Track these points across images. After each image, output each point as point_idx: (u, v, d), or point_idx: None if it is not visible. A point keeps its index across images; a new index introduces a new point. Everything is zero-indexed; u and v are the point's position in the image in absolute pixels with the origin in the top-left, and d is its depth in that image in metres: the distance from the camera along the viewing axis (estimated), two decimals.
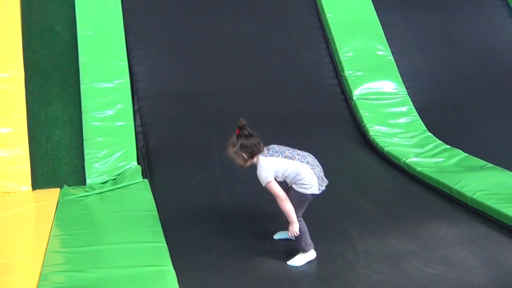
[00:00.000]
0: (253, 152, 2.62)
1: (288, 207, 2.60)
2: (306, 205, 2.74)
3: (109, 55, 4.43)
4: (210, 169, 4.01)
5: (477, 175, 3.73)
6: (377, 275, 2.65)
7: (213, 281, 2.61)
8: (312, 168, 2.64)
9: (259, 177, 2.63)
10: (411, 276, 2.63)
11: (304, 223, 2.74)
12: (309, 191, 2.66)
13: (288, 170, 2.63)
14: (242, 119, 2.64)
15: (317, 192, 2.68)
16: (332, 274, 2.68)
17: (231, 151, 2.63)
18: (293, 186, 2.69)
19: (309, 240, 2.74)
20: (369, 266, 2.73)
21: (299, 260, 2.75)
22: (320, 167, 2.72)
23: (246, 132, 2.61)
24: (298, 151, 2.72)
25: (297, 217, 2.66)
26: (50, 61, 4.46)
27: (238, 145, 2.60)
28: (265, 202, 3.56)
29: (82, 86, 4.20)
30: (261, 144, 2.65)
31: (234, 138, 2.63)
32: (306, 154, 2.73)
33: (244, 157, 2.62)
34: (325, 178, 2.73)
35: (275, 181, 2.63)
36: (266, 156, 2.63)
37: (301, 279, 2.65)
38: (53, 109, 4.21)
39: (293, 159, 2.64)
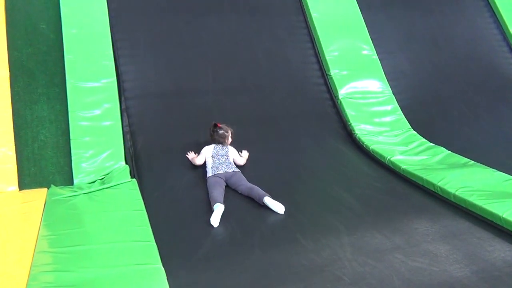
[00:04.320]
0: (212, 141, 4.09)
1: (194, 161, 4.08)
2: (216, 184, 3.70)
3: (95, 54, 4.40)
4: (197, 168, 4.03)
5: (459, 172, 3.82)
6: (363, 268, 2.70)
7: (202, 277, 2.64)
8: (212, 169, 3.87)
9: None
10: (396, 268, 2.69)
11: (214, 192, 3.56)
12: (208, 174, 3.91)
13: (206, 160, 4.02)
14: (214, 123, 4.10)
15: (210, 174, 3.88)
16: (319, 266, 2.73)
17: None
18: None
19: (213, 203, 3.46)
20: (355, 259, 2.79)
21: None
22: (224, 171, 3.86)
23: (216, 129, 4.07)
24: (225, 168, 3.91)
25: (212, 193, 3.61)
26: (35, 60, 4.42)
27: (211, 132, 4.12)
28: (252, 200, 3.60)
29: (68, 85, 4.16)
30: (216, 140, 4.04)
31: (217, 128, 4.08)
32: (224, 168, 3.90)
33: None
34: (222, 170, 3.86)
35: (200, 157, 4.03)
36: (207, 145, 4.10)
37: (288, 270, 2.69)
38: (39, 109, 4.18)
39: (210, 158, 3.97)
